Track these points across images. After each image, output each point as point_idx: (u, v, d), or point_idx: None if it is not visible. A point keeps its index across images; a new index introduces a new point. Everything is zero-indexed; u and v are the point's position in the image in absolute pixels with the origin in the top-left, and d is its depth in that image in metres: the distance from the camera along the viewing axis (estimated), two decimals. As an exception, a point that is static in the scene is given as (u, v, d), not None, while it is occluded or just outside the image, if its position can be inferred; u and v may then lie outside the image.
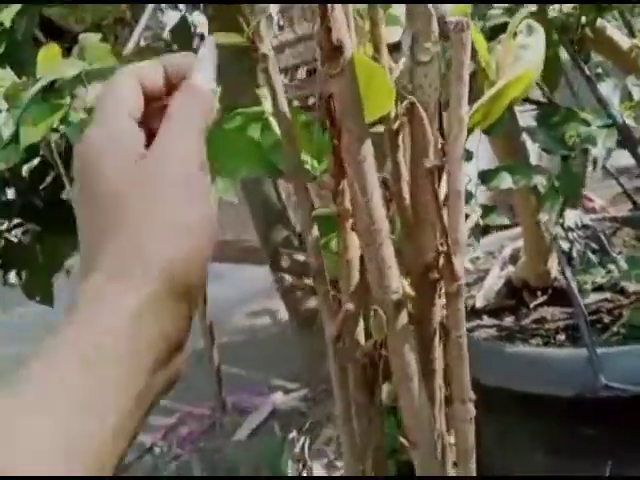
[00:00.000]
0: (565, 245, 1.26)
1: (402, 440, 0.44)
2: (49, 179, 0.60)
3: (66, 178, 0.53)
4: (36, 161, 0.57)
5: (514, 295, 1.25)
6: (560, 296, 1.22)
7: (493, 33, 0.84)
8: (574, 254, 1.31)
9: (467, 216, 0.45)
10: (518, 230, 1.46)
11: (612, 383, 0.78)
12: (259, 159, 0.58)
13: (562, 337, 1.02)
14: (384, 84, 0.44)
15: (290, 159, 0.47)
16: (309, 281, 1.14)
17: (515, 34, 0.64)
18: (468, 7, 0.58)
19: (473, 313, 1.19)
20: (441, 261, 0.45)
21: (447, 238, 0.41)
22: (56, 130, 0.55)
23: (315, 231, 0.47)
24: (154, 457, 1.81)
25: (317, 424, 1.59)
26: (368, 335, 0.49)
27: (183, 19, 1.26)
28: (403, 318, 0.44)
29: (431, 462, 0.43)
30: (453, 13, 0.57)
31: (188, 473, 1.62)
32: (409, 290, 0.46)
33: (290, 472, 1.32)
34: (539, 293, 1.25)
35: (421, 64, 0.51)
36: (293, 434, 1.05)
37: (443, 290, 0.48)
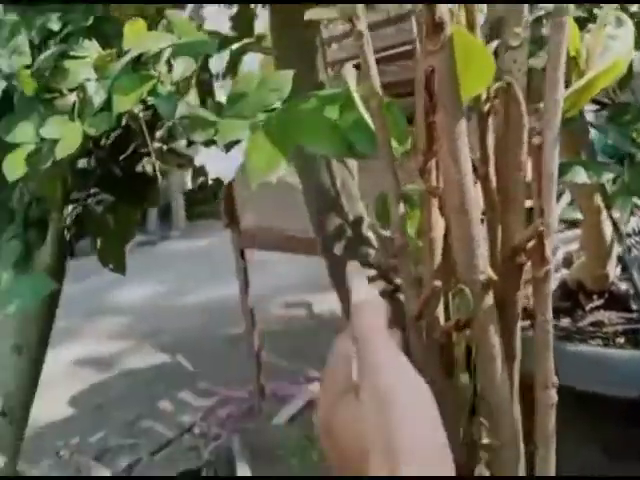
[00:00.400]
0: (622, 250, 1.23)
1: (482, 420, 0.43)
2: (129, 151, 0.61)
3: (151, 148, 0.55)
4: (119, 131, 0.59)
5: (569, 297, 1.22)
6: (617, 301, 1.19)
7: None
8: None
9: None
10: (571, 233, 1.43)
11: (678, 388, 0.76)
12: (338, 139, 0.58)
13: (621, 341, 1.00)
14: (484, 60, 0.44)
15: (380, 136, 0.47)
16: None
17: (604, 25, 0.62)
18: None
19: (527, 313, 1.16)
20: (530, 245, 0.44)
21: (542, 221, 0.40)
22: (143, 102, 0.56)
23: (401, 209, 0.47)
24: (194, 437, 1.84)
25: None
26: (446, 316, 0.48)
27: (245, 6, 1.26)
28: (489, 299, 0.44)
29: (510, 445, 0.43)
30: None
31: (228, 453, 1.64)
32: (492, 274, 0.45)
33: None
34: (595, 297, 1.22)
35: (510, 49, 0.50)
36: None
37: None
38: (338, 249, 1.23)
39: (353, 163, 1.39)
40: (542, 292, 0.44)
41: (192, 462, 1.68)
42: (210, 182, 0.64)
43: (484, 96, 0.50)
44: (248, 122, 0.61)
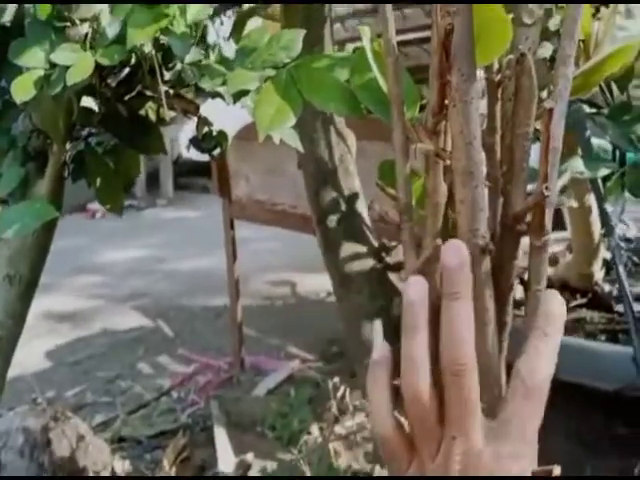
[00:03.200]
0: (608, 254, 1.25)
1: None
2: (135, 91, 0.60)
3: (161, 89, 0.54)
4: (127, 70, 0.58)
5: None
6: (600, 301, 1.20)
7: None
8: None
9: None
10: (556, 235, 1.45)
11: (653, 383, 0.77)
12: (348, 98, 0.58)
13: (602, 338, 1.02)
14: (502, 27, 0.44)
15: (394, 90, 0.47)
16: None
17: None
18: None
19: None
20: (529, 215, 0.45)
21: (547, 185, 0.41)
22: (156, 40, 0.55)
23: (408, 168, 0.47)
24: (172, 400, 1.84)
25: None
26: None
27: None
28: (487, 264, 0.44)
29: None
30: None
31: (206, 418, 1.64)
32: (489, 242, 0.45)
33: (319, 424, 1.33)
34: (578, 295, 1.24)
35: (524, 25, 0.50)
36: (335, 380, 1.06)
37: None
38: (331, 222, 1.23)
39: (352, 141, 1.38)
40: (539, 261, 0.45)
41: (169, 424, 1.68)
42: (214, 133, 0.63)
43: (496, 66, 0.50)
44: (258, 74, 0.61)
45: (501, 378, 0.45)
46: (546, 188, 0.40)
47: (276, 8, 1.28)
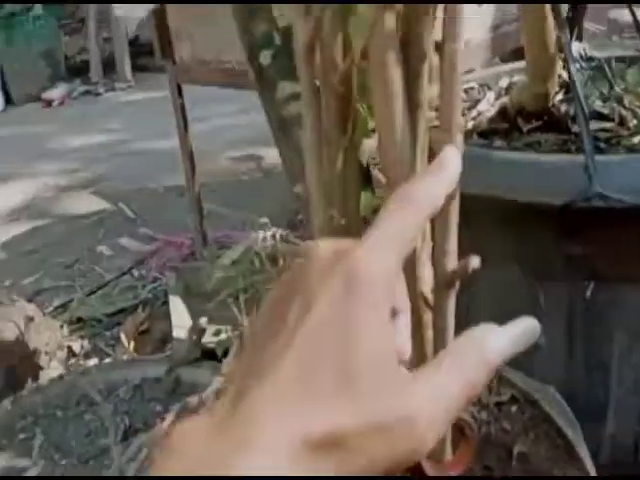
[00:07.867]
0: (565, 75, 1.16)
1: (378, 176, 0.38)
2: None
3: None
4: None
5: (508, 120, 1.17)
6: (555, 123, 1.14)
7: None
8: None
9: None
10: (515, 65, 1.36)
11: (607, 192, 0.72)
12: None
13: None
14: None
15: None
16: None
17: None
18: None
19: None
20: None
21: None
22: None
23: None
24: (133, 279, 1.81)
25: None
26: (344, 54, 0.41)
27: None
28: (389, 20, 0.36)
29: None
30: None
31: (165, 291, 1.61)
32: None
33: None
34: (534, 120, 1.17)
35: None
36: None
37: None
38: (265, 58, 1.12)
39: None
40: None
41: (129, 301, 1.65)
42: None
43: None
44: None
45: (415, 167, 0.39)
46: None
47: None
